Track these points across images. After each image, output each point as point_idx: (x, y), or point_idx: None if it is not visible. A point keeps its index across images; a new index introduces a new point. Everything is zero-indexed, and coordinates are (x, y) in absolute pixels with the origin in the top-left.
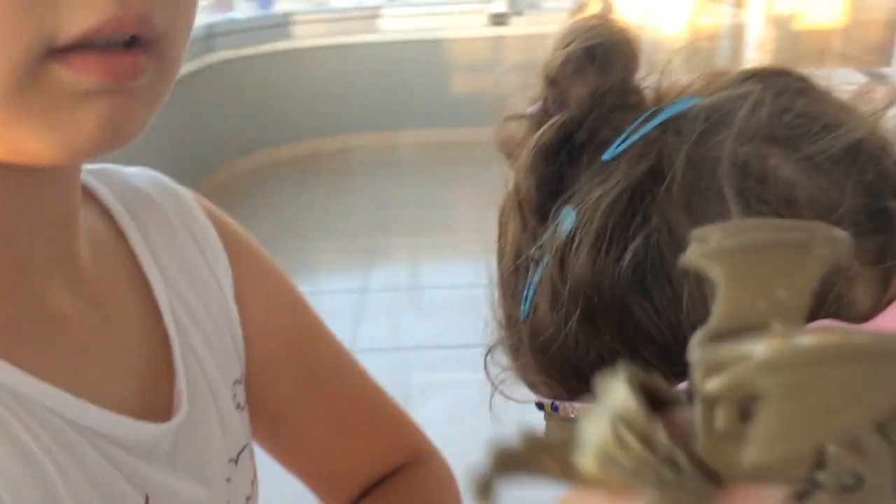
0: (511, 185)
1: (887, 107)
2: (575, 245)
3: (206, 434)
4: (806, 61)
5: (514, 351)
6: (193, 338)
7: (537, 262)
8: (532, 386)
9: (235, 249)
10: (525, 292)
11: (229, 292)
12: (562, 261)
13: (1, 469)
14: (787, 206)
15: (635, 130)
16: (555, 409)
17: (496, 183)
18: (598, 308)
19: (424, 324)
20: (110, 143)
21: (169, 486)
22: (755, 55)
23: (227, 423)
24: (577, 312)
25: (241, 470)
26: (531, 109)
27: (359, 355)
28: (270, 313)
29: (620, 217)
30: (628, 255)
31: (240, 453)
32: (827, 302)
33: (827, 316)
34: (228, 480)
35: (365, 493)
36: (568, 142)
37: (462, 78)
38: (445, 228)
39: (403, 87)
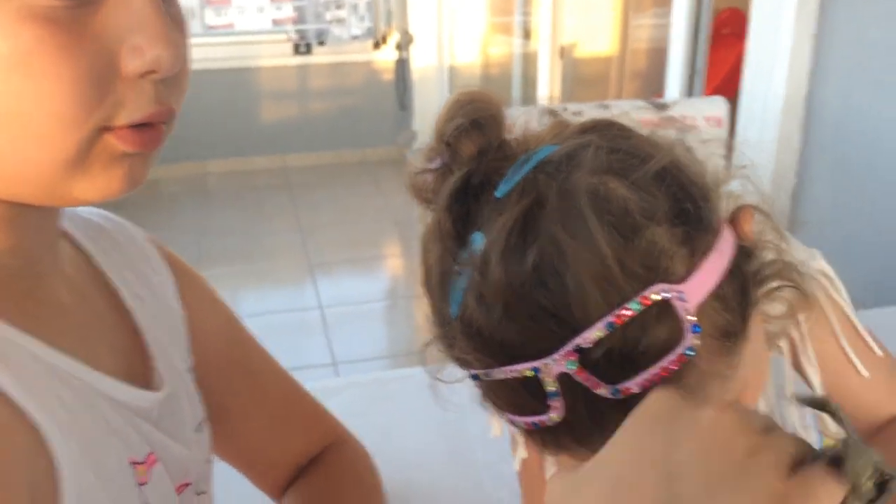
0: (430, 221)
1: (677, 140)
2: (489, 258)
3: (180, 406)
4: (590, 85)
5: (448, 340)
6: (157, 330)
7: (460, 274)
8: (466, 364)
9: (175, 266)
10: (452, 297)
11: (175, 296)
12: (482, 270)
13: (52, 414)
14: (625, 215)
15: (515, 173)
16: (487, 375)
17: (310, 209)
18: (513, 299)
19: None
20: (128, 190)
21: (163, 443)
22: (546, 81)
23: (190, 399)
24: (499, 305)
25: (202, 438)
26: (434, 164)
27: None
28: (208, 318)
29: (519, 236)
30: (528, 261)
31: (200, 424)
32: (658, 272)
33: (659, 281)
34: (196, 445)
35: (296, 476)
36: (468, 186)
37: (269, 106)
38: (266, 255)
39: (209, 116)
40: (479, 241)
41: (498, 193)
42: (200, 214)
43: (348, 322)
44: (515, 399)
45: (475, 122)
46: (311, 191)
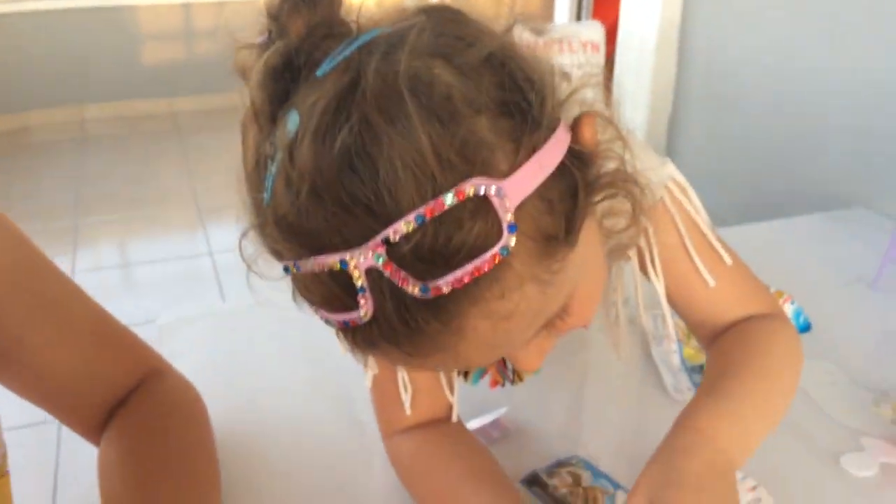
0: (248, 101)
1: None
2: (299, 139)
3: None
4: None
5: (262, 229)
6: None
7: (272, 157)
8: (278, 255)
9: None
10: (265, 182)
11: None
12: (291, 152)
13: None
14: (446, 101)
15: (340, 53)
16: (298, 268)
17: (199, 153)
18: (320, 184)
19: (139, 301)
20: None
21: None
22: None
23: None
24: (306, 189)
25: None
26: (259, 40)
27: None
28: None
29: (332, 116)
30: (339, 144)
31: None
32: (477, 165)
33: (478, 174)
34: None
35: (112, 412)
36: (290, 64)
37: (152, 46)
38: (153, 202)
39: (86, 57)
40: (293, 121)
41: (319, 72)
42: (79, 161)
43: (240, 268)
44: (327, 295)
45: None
46: (200, 135)
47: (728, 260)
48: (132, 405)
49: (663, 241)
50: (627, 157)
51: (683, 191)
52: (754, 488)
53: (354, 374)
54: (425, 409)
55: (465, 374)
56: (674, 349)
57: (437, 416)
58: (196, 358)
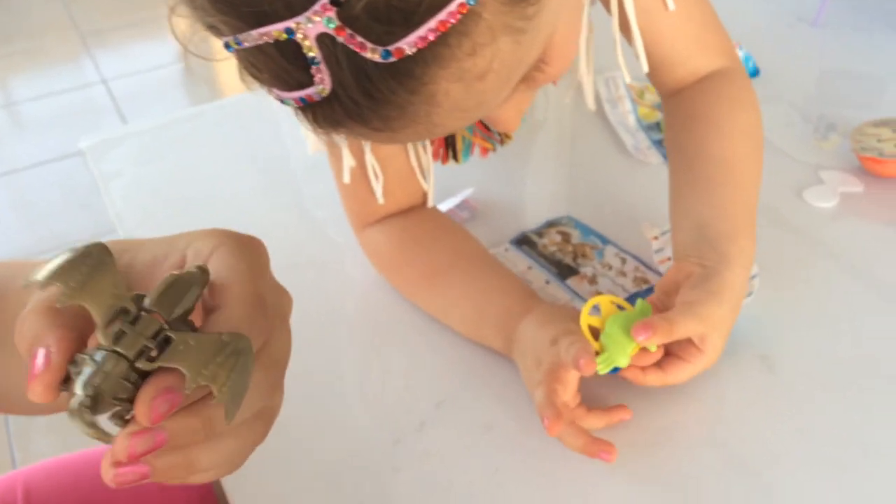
0: None
1: None
2: None
3: None
4: None
5: (195, 3)
6: None
7: None
8: (214, 30)
9: None
10: None
11: None
12: None
13: None
14: None
15: None
16: (239, 43)
17: None
18: None
19: (38, 139)
20: None
21: None
22: None
23: None
24: None
25: None
26: None
27: None
28: None
29: None
30: None
31: None
32: None
33: None
34: None
35: None
36: None
37: None
38: (26, 34)
39: None
40: None
41: None
42: None
43: (140, 93)
44: (277, 71)
45: None
46: None
47: None
48: None
49: None
50: None
51: None
52: (752, 277)
53: (304, 174)
54: (398, 197)
55: (455, 156)
56: (629, 109)
57: (411, 204)
58: (133, 177)
